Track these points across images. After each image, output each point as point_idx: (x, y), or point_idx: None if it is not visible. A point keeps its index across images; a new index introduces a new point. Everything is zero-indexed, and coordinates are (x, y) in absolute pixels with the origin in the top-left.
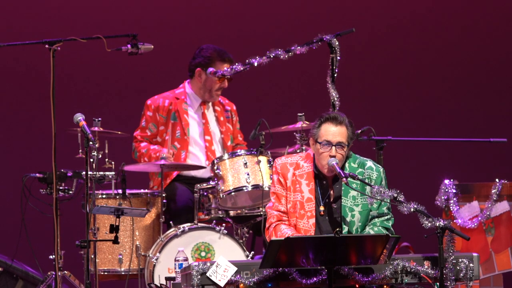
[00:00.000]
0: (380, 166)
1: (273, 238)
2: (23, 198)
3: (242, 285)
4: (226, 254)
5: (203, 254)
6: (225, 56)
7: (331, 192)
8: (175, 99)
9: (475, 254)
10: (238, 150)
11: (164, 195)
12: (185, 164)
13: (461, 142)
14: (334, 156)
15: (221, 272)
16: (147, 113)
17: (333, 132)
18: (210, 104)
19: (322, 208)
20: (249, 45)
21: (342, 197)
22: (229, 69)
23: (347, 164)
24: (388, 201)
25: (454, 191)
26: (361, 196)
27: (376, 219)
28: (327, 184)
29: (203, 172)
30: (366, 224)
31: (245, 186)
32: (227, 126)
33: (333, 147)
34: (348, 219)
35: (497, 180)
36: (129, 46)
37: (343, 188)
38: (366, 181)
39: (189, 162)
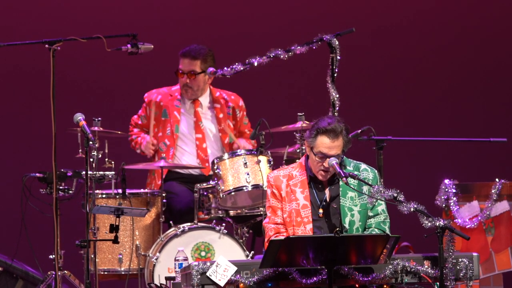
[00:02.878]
0: (374, 168)
1: (273, 238)
2: (23, 198)
3: (242, 284)
4: (226, 254)
5: (203, 253)
6: (184, 51)
7: (327, 193)
8: (169, 96)
9: (475, 254)
10: (238, 150)
11: (164, 195)
12: (185, 165)
13: (461, 142)
14: (327, 171)
15: (221, 272)
16: (143, 105)
17: (329, 146)
18: (206, 101)
19: (321, 210)
20: (249, 45)
21: (341, 198)
22: (229, 69)
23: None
24: (384, 200)
25: (454, 191)
26: (359, 196)
27: (372, 219)
28: (322, 186)
29: (195, 170)
30: (366, 223)
31: (245, 186)
32: (226, 124)
33: (327, 159)
34: (347, 219)
35: (497, 180)
36: (129, 46)
37: (341, 188)
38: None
39: (177, 160)
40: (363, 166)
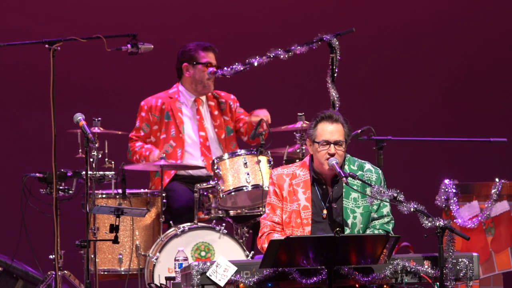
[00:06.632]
0: (378, 168)
1: (273, 238)
2: (23, 198)
3: (242, 284)
4: (226, 254)
5: (203, 253)
6: (206, 45)
7: (330, 193)
8: (169, 99)
9: (475, 254)
10: (238, 150)
11: (164, 194)
12: (185, 165)
13: (461, 142)
14: (333, 155)
15: (221, 272)
16: (141, 114)
17: (330, 130)
18: (204, 100)
19: (325, 211)
20: (249, 45)
21: (344, 199)
22: (229, 69)
23: (346, 166)
24: (388, 201)
25: (454, 191)
26: (362, 198)
27: (376, 221)
28: (326, 187)
29: (201, 170)
30: (367, 225)
31: (245, 186)
32: (221, 119)
33: (332, 145)
34: (349, 221)
35: (497, 180)
36: (129, 46)
37: (344, 189)
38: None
39: (185, 160)
40: (367, 166)
